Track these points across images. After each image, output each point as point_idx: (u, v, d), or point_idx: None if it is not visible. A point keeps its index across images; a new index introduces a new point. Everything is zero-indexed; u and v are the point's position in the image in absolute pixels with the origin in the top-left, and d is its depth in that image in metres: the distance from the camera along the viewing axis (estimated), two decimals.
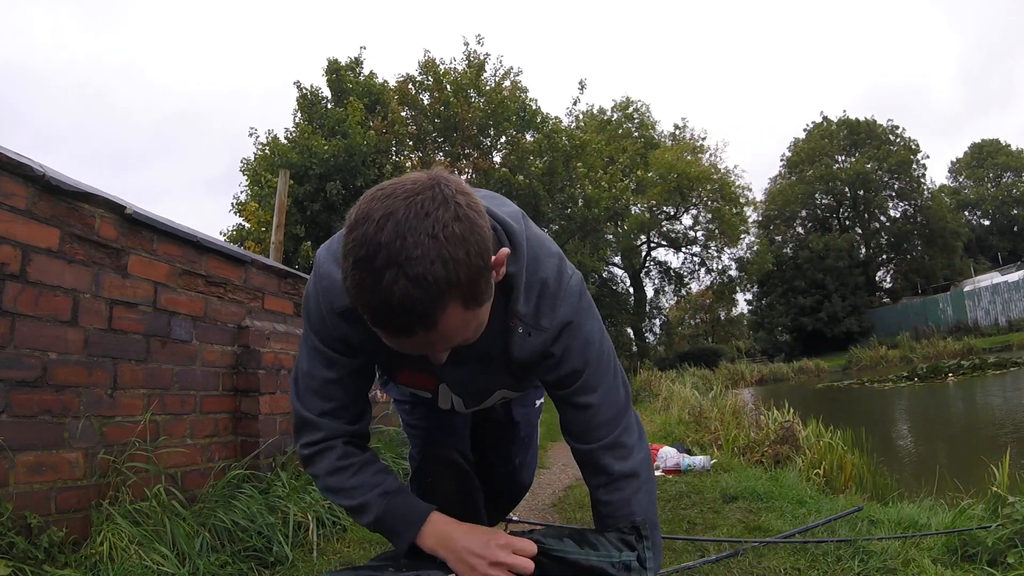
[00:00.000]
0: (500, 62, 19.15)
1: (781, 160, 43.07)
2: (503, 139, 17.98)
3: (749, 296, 40.56)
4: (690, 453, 4.70)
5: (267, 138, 17.34)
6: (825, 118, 41.02)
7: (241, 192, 17.57)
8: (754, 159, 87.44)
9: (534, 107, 18.51)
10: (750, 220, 35.46)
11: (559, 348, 1.17)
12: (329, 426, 1.24)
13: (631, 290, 37.53)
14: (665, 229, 35.86)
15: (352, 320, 1.09)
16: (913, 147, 38.85)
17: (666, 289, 39.69)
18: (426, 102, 17.59)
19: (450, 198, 0.89)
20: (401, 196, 0.88)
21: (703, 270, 37.36)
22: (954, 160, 51.81)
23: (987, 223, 47.60)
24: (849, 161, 39.23)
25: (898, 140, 39.15)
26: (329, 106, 17.67)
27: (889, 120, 39.85)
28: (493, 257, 0.96)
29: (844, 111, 41.61)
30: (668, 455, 4.44)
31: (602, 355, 1.24)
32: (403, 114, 17.16)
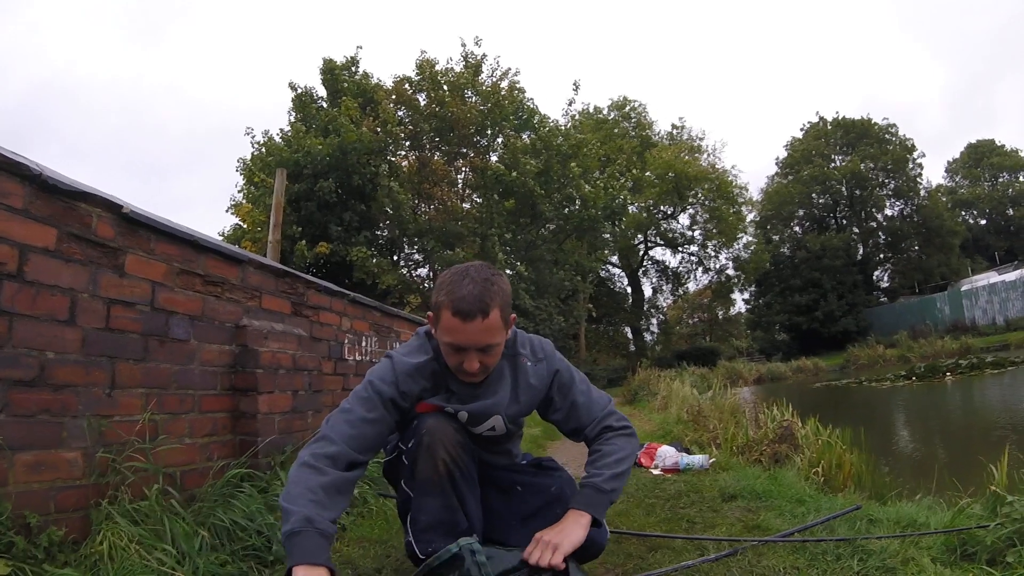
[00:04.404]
0: (497, 62, 19.13)
1: (777, 160, 43.15)
2: (500, 139, 17.95)
3: (747, 295, 40.66)
4: (689, 452, 4.70)
5: (263, 138, 17.34)
6: (821, 118, 41.10)
7: (238, 192, 17.58)
8: (751, 159, 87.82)
9: (531, 107, 18.50)
10: (747, 220, 35.53)
11: (559, 365, 1.86)
12: (342, 446, 1.59)
13: (629, 289, 37.63)
14: (663, 229, 35.91)
15: (419, 372, 1.73)
16: (909, 146, 38.91)
17: (664, 288, 39.81)
18: (422, 102, 17.55)
19: (495, 271, 1.66)
20: (474, 263, 1.67)
21: (700, 270, 37.48)
22: (950, 160, 52.01)
23: (984, 223, 47.71)
24: (845, 160, 39.25)
25: (894, 139, 39.19)
26: (324, 106, 17.65)
27: (884, 119, 39.94)
28: (511, 315, 1.70)
29: (837, 112, 41.51)
30: (667, 454, 4.44)
31: (580, 375, 1.91)
32: (398, 114, 17.13)
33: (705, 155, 34.99)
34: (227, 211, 17.57)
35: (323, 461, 1.56)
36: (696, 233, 35.92)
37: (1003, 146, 48.56)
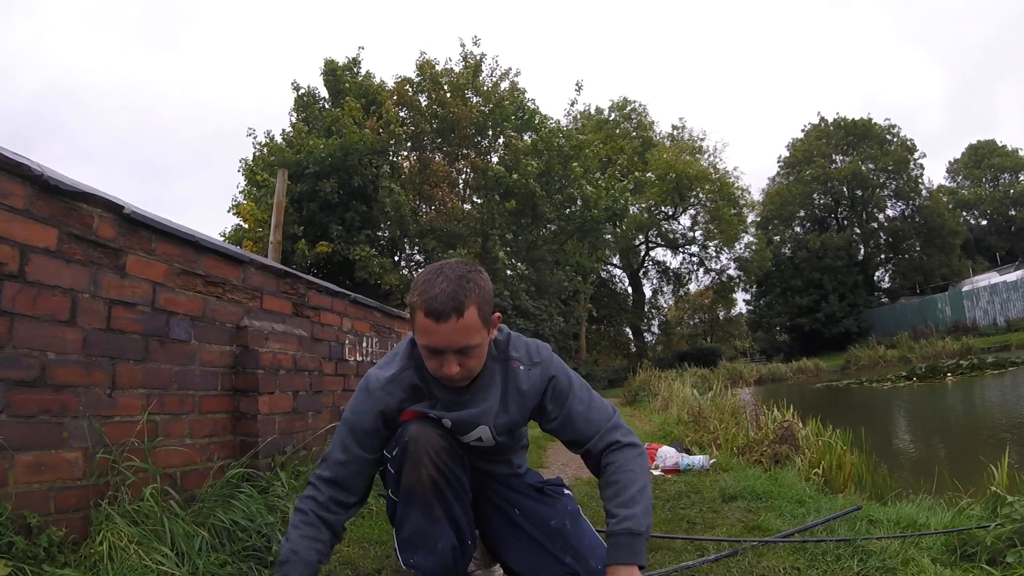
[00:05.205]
0: (496, 62, 19.13)
1: (779, 161, 43.13)
2: (501, 140, 17.94)
3: (748, 296, 40.66)
4: (689, 453, 4.70)
5: (265, 138, 17.36)
6: (822, 118, 41.07)
7: (239, 192, 17.59)
8: (752, 159, 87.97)
9: (532, 107, 18.50)
10: (748, 220, 35.53)
11: (555, 371, 1.71)
12: (325, 494, 1.65)
13: (630, 290, 37.62)
14: (664, 229, 35.91)
15: (394, 384, 1.66)
16: (910, 146, 38.86)
17: (665, 289, 39.83)
18: (423, 103, 17.55)
19: (474, 267, 1.57)
20: (451, 260, 1.57)
21: (701, 270, 37.49)
22: (951, 161, 51.94)
23: (985, 223, 47.65)
24: (846, 161, 39.22)
25: (895, 140, 39.15)
26: (326, 106, 17.66)
27: (886, 119, 39.89)
28: (494, 314, 1.59)
29: (838, 112, 41.52)
30: (667, 455, 4.44)
31: (580, 381, 1.76)
32: (400, 114, 17.12)
33: (706, 155, 35.01)
34: (228, 211, 17.59)
35: (308, 503, 1.65)
36: (697, 234, 35.97)
37: (1004, 146, 48.52)
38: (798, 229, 41.13)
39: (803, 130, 42.03)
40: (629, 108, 37.05)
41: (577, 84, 25.43)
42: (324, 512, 1.64)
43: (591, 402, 1.72)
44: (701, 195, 33.58)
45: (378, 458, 1.69)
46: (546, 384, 1.69)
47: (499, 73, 18.10)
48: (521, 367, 1.69)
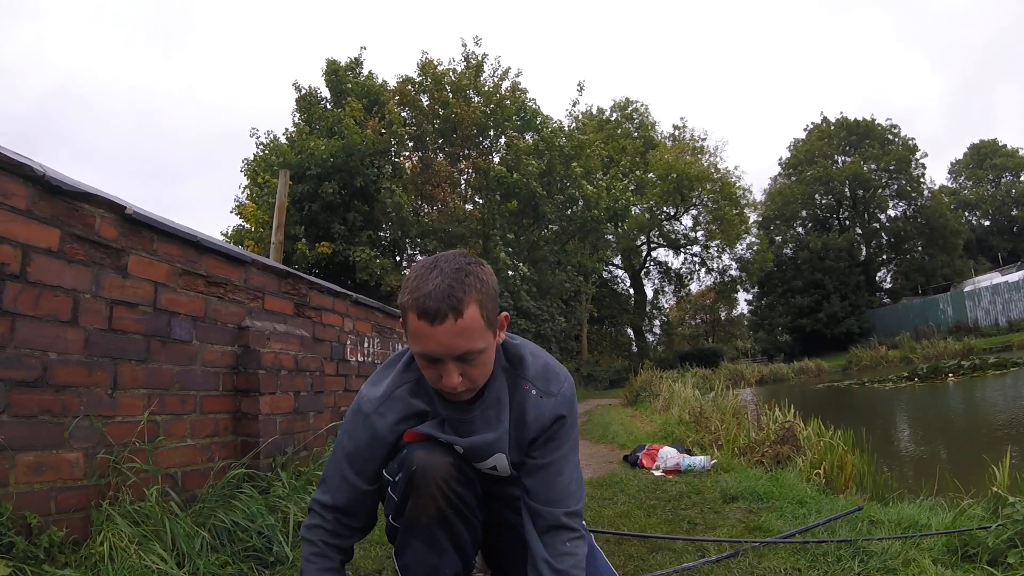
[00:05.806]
0: (498, 63, 19.13)
1: (780, 161, 43.10)
2: (503, 140, 17.94)
3: (749, 297, 40.62)
4: (690, 453, 4.70)
5: (267, 139, 17.40)
6: (824, 118, 41.03)
7: (242, 192, 17.63)
8: (754, 160, 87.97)
9: (534, 107, 18.49)
10: (750, 221, 35.48)
11: (568, 413, 1.48)
12: (326, 515, 1.48)
13: (631, 290, 37.57)
14: (665, 230, 35.87)
15: (388, 405, 1.45)
16: (911, 146, 38.81)
17: (666, 289, 39.76)
18: (425, 103, 17.55)
19: (475, 259, 1.34)
20: (447, 252, 1.35)
21: (703, 270, 37.43)
22: (953, 161, 51.84)
23: (987, 223, 47.55)
24: (848, 161, 39.17)
25: (896, 140, 39.10)
26: (328, 107, 17.68)
27: (888, 119, 39.83)
28: (500, 314, 1.38)
29: (840, 112, 41.46)
30: (668, 455, 4.44)
31: (578, 443, 1.56)
32: (403, 115, 17.13)
33: (707, 155, 34.95)
34: (231, 212, 17.63)
35: (316, 533, 1.49)
36: (698, 234, 35.90)
37: (1005, 146, 48.40)
38: (800, 229, 41.08)
39: (805, 130, 42.04)
40: (631, 108, 37.04)
41: (579, 84, 25.46)
42: (333, 539, 1.49)
43: (577, 470, 1.52)
44: (703, 195, 33.53)
45: (377, 473, 1.50)
46: (552, 421, 1.46)
47: (500, 73, 18.12)
48: (533, 391, 1.47)
